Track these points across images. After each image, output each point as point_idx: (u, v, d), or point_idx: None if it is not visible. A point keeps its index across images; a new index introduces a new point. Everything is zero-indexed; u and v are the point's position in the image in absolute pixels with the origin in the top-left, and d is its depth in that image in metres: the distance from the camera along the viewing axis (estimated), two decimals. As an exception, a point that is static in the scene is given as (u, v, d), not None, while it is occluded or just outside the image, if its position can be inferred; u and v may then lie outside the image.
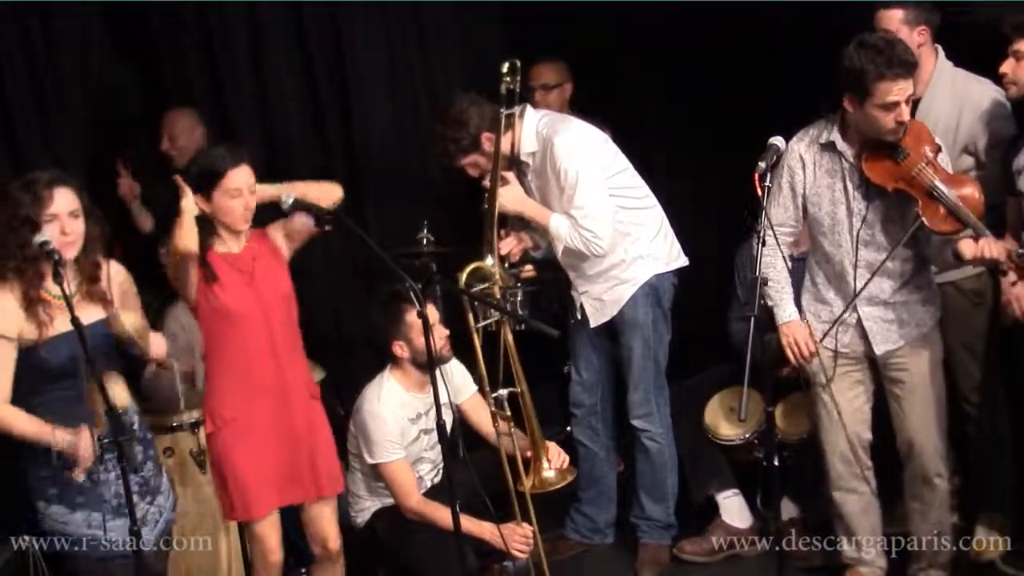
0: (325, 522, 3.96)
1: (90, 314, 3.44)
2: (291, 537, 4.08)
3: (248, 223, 3.78)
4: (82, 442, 3.33)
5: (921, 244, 3.92)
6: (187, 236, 3.65)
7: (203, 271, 3.74)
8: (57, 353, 3.37)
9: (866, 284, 3.91)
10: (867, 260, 3.92)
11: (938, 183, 3.74)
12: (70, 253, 3.38)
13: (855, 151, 3.87)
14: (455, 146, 4.32)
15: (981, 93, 4.16)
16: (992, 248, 3.68)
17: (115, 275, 3.57)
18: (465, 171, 4.40)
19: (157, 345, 3.60)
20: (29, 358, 3.38)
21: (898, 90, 3.68)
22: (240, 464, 3.79)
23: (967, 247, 3.73)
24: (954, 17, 4.25)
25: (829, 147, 3.91)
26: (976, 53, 4.16)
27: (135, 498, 3.43)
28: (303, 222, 3.85)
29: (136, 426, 3.56)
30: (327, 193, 3.87)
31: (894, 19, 4.17)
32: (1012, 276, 3.67)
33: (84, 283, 3.47)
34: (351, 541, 4.17)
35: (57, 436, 3.34)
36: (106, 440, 3.41)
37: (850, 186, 3.89)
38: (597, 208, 4.31)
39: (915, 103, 4.04)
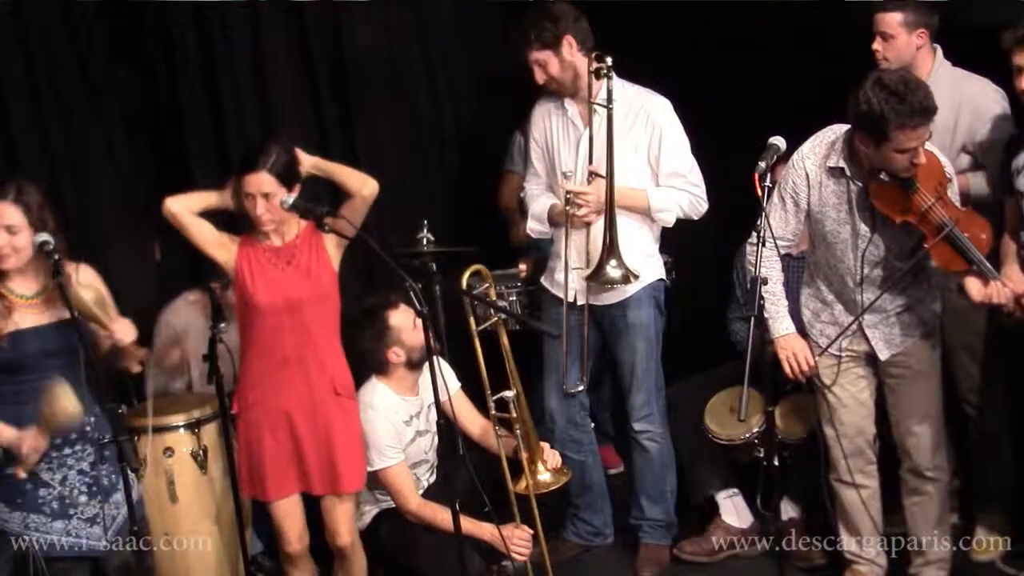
0: (336, 517, 4.01)
1: (45, 316, 3.50)
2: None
3: (270, 226, 3.88)
4: (26, 441, 3.38)
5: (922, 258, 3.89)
6: (178, 200, 3.87)
7: (240, 260, 3.90)
8: (12, 349, 3.44)
9: (871, 305, 3.90)
10: (870, 276, 3.91)
11: (949, 223, 3.69)
12: (5, 264, 3.46)
13: (863, 178, 3.81)
14: (538, 33, 4.31)
15: (979, 92, 4.15)
16: (1001, 294, 3.68)
17: (84, 279, 3.59)
18: (530, 69, 4.38)
19: (123, 330, 3.58)
20: None
21: (917, 136, 3.61)
22: (256, 447, 3.93)
23: (975, 289, 3.73)
24: (952, 16, 4.23)
25: (837, 172, 3.86)
26: (974, 52, 4.15)
27: (83, 497, 3.52)
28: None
29: (89, 428, 3.56)
30: (361, 182, 3.97)
31: (892, 22, 4.15)
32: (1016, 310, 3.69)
33: (42, 291, 3.52)
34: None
35: (3, 434, 3.40)
36: (105, 440, 3.44)
37: (856, 211, 3.85)
38: (697, 170, 4.40)
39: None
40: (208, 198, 3.95)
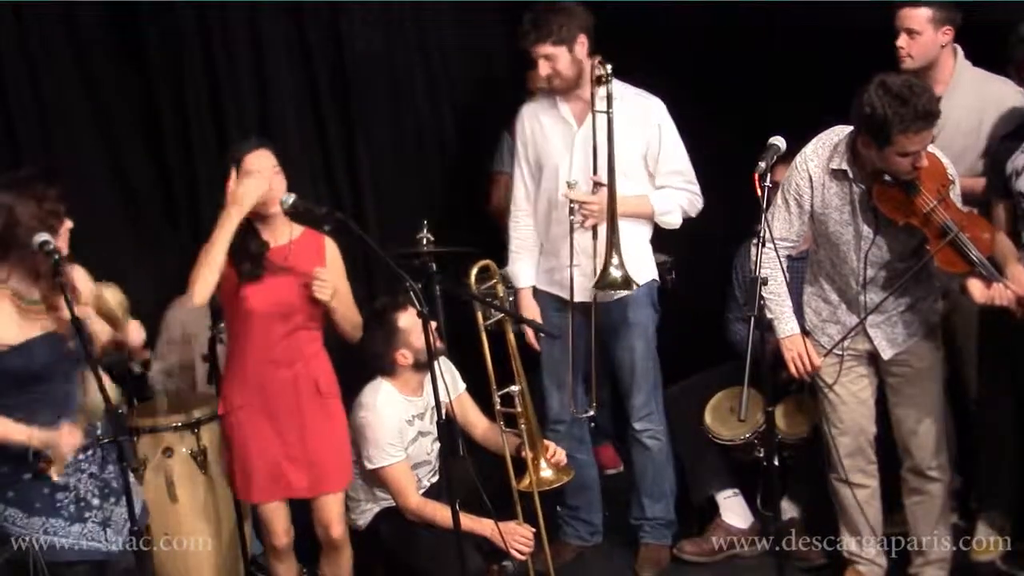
0: (328, 511, 4.01)
1: (51, 322, 3.36)
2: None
3: (275, 206, 3.82)
4: (63, 438, 3.28)
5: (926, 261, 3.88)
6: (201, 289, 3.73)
7: (236, 268, 3.82)
8: (28, 358, 3.32)
9: (875, 308, 3.90)
10: (873, 276, 3.91)
11: (953, 228, 3.68)
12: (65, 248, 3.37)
13: (866, 180, 3.80)
14: (556, 27, 4.27)
15: (1003, 93, 4.11)
16: (1004, 295, 3.67)
17: (81, 279, 3.48)
18: (534, 62, 4.35)
19: (136, 331, 3.59)
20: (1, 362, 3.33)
21: (919, 140, 3.60)
22: (243, 449, 3.93)
23: (978, 291, 3.72)
24: (971, 16, 4.19)
25: (840, 174, 3.85)
26: (988, 52, 4.13)
27: (96, 500, 3.46)
28: None
29: (100, 432, 3.50)
30: (354, 327, 4.00)
31: (920, 18, 4.09)
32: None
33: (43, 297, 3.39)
34: (352, 541, 4.17)
35: (33, 436, 3.28)
36: (105, 440, 3.43)
37: (859, 213, 3.85)
38: (691, 168, 4.43)
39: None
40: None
